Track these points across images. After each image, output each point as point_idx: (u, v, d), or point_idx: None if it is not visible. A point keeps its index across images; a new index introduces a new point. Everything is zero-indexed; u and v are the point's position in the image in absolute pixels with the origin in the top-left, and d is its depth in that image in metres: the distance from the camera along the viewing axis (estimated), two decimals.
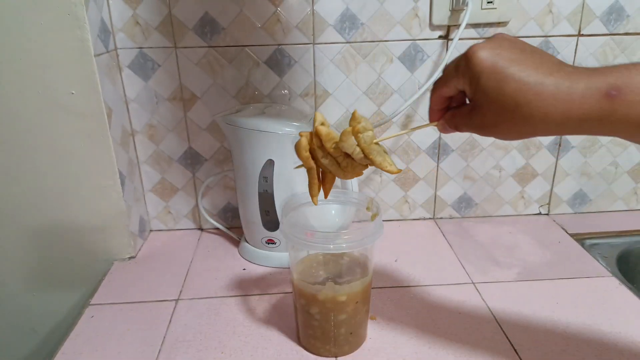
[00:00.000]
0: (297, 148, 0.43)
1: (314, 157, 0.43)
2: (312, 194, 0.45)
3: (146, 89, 0.74)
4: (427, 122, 0.43)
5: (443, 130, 0.41)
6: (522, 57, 0.34)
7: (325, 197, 0.47)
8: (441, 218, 0.87)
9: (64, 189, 0.69)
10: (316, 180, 0.44)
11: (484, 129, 0.37)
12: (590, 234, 0.81)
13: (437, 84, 0.39)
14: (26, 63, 0.62)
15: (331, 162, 0.43)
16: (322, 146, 0.42)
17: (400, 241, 0.80)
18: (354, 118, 0.40)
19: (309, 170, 0.44)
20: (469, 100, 0.38)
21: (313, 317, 0.53)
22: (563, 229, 0.83)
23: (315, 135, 0.42)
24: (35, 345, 0.80)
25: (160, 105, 0.76)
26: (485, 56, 0.35)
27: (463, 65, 0.36)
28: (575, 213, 0.88)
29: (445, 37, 0.74)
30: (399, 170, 0.42)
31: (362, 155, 0.41)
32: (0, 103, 0.64)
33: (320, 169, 0.44)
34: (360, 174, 0.44)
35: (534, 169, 0.84)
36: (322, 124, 0.42)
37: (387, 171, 0.41)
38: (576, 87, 0.32)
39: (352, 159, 0.42)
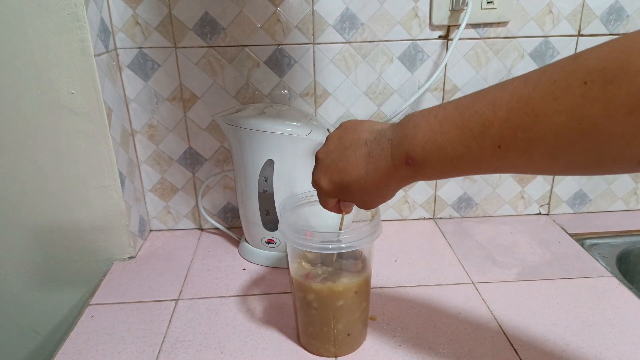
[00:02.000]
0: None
1: None
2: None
3: (146, 89, 0.74)
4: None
5: (347, 212, 0.50)
6: (344, 160, 0.42)
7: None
8: (441, 218, 0.87)
9: (64, 189, 0.69)
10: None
11: (364, 208, 0.47)
12: (590, 234, 0.81)
13: (323, 204, 0.48)
14: (26, 63, 0.62)
15: None
16: None
17: (400, 241, 0.80)
18: None
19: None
20: None
21: (311, 306, 0.52)
22: (563, 229, 0.83)
23: None
24: (35, 345, 0.80)
25: (160, 105, 0.76)
26: (325, 184, 0.44)
27: (321, 193, 0.46)
28: (575, 213, 0.88)
29: (445, 37, 0.74)
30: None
31: None
32: (1, 103, 0.64)
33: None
34: None
35: None
36: None
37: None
38: (388, 165, 0.39)
39: None
